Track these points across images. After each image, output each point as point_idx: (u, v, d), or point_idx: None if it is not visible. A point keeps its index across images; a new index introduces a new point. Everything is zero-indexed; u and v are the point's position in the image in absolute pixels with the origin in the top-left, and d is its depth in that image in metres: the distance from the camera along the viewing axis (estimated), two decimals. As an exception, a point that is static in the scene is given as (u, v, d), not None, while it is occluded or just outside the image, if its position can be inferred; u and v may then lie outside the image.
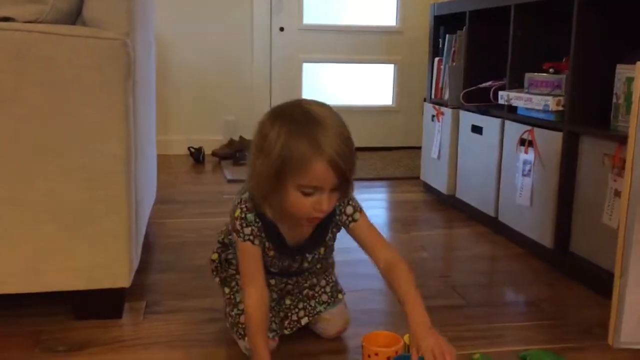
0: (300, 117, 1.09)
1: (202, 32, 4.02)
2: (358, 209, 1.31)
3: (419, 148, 3.20)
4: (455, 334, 1.52)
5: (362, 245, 1.31)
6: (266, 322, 1.23)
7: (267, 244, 1.25)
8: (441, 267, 2.11)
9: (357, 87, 4.31)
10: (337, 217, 1.29)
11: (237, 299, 1.41)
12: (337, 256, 2.04)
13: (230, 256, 1.45)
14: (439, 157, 2.88)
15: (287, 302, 1.45)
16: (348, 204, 1.29)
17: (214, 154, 3.81)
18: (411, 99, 4.30)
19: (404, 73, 4.33)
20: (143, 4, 1.76)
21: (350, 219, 1.29)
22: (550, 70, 2.10)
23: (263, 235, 1.22)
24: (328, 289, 1.50)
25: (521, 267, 2.06)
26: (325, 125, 1.08)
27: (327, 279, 1.50)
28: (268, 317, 1.24)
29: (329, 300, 1.48)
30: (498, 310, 1.72)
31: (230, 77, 4.10)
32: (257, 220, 1.20)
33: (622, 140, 1.72)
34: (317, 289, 1.48)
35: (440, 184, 2.88)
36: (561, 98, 1.98)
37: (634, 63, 1.75)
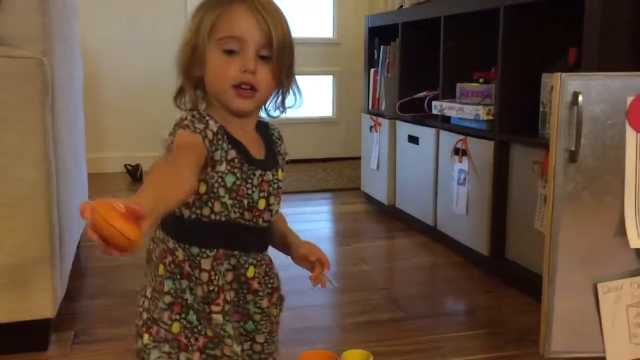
0: None
1: (134, 44, 3.92)
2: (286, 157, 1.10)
3: (359, 158, 3.21)
4: (396, 348, 1.51)
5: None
6: (168, 189, 0.81)
7: (232, 155, 0.94)
8: (382, 279, 2.11)
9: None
10: (277, 140, 1.07)
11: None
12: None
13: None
14: (378, 167, 2.89)
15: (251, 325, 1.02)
16: (283, 142, 1.09)
17: (152, 170, 3.70)
18: (351, 110, 4.31)
19: (343, 84, 4.34)
20: (63, 18, 1.69)
21: (283, 158, 1.07)
22: (480, 80, 2.14)
23: (226, 141, 0.94)
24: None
25: (459, 276, 2.08)
26: None
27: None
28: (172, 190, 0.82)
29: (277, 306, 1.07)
30: (437, 321, 1.72)
31: (166, 91, 3.92)
32: (217, 122, 0.94)
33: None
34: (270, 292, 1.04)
35: (381, 195, 2.88)
36: (491, 107, 2.01)
37: (559, 71, 1.80)
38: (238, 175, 0.95)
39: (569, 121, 0.99)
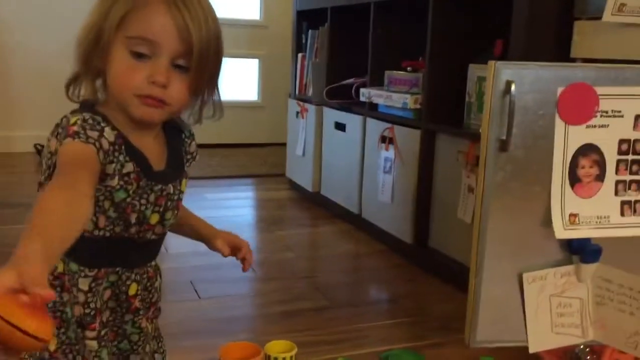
0: None
1: (49, 15, 3.67)
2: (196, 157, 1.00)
3: (285, 145, 3.16)
4: (319, 338, 1.49)
5: None
6: (64, 228, 0.65)
7: (130, 167, 0.81)
8: (306, 267, 2.07)
9: (221, 82, 4.18)
10: (187, 142, 0.94)
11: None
12: (196, 259, 1.92)
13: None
14: (303, 154, 2.85)
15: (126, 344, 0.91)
16: (194, 139, 0.97)
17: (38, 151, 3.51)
18: (276, 95, 4.25)
19: (269, 68, 4.27)
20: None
21: (193, 156, 0.97)
22: (408, 68, 2.13)
23: (124, 152, 0.80)
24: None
25: (383, 264, 2.07)
26: None
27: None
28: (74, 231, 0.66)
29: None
30: (361, 310, 1.71)
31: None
32: (115, 129, 0.80)
33: (475, 137, 1.78)
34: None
35: (306, 182, 2.85)
36: (419, 96, 2.01)
37: (486, 62, 1.82)
38: (131, 192, 0.81)
39: (500, 110, 0.98)
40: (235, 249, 1.06)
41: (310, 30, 2.87)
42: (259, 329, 1.54)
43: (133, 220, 0.83)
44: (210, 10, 0.82)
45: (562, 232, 1.01)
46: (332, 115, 2.61)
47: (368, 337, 1.52)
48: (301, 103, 2.87)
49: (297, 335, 1.46)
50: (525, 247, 1.03)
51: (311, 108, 2.76)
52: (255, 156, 3.89)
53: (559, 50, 1.54)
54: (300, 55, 2.98)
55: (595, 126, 1.01)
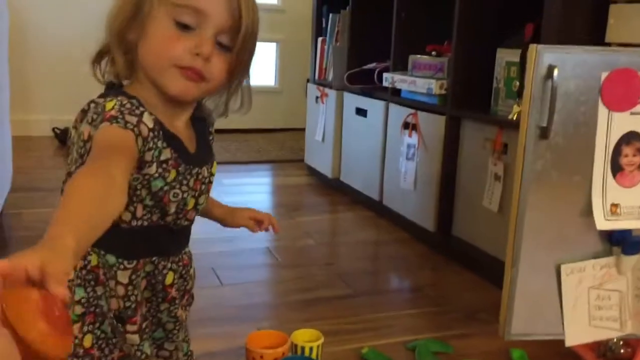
0: None
1: None
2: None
3: (303, 130, 3.12)
4: (343, 327, 1.47)
5: None
6: (96, 214, 0.61)
7: (167, 153, 0.78)
8: (327, 254, 2.05)
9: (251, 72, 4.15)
10: (211, 131, 0.93)
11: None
12: (218, 245, 1.91)
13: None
14: (323, 139, 2.82)
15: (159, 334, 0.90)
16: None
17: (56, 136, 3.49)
18: (294, 80, 4.20)
19: (287, 53, 4.22)
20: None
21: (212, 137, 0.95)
22: (433, 53, 2.09)
23: (161, 138, 0.77)
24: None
25: (405, 252, 2.05)
26: None
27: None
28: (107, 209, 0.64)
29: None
30: (384, 298, 1.68)
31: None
32: (152, 114, 0.76)
33: (502, 124, 1.74)
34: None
35: (325, 168, 2.82)
36: (444, 81, 1.97)
37: (514, 47, 1.77)
38: (168, 180, 0.78)
39: (541, 96, 0.94)
40: (259, 222, 1.04)
41: (330, 14, 2.82)
42: (282, 317, 1.53)
43: (172, 209, 0.81)
44: None
45: (603, 222, 0.98)
46: (352, 100, 2.57)
47: (392, 326, 1.50)
48: (321, 88, 2.83)
49: (320, 324, 1.44)
50: (564, 238, 1.00)
51: (331, 93, 2.73)
52: (273, 141, 3.86)
53: (593, 34, 1.50)
54: (320, 39, 2.94)
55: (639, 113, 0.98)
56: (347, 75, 2.55)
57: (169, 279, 0.85)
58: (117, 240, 0.72)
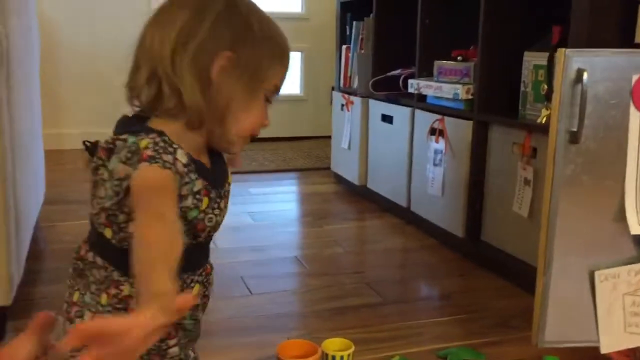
0: (252, 15, 0.86)
1: (94, 13, 3.73)
2: None
3: (329, 137, 3.13)
4: (373, 335, 1.46)
5: None
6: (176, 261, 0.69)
7: (199, 184, 0.80)
8: (356, 262, 2.05)
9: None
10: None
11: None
12: (247, 254, 1.91)
13: None
14: (349, 147, 2.82)
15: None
16: None
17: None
18: (319, 88, 4.23)
19: (312, 61, 4.24)
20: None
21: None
22: (459, 58, 2.08)
23: (194, 170, 0.79)
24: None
25: (434, 259, 2.03)
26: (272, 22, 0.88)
27: None
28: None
29: None
30: (413, 306, 1.67)
31: (129, 64, 3.84)
32: (181, 147, 0.78)
33: (531, 128, 1.72)
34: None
35: (351, 175, 2.82)
36: (470, 86, 1.96)
37: (541, 50, 1.75)
38: (202, 207, 0.80)
39: (571, 100, 0.93)
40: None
41: (354, 22, 2.83)
42: (311, 326, 1.53)
43: (205, 234, 0.83)
44: None
45: (637, 227, 0.96)
46: (378, 107, 2.57)
47: (422, 334, 1.49)
48: (346, 96, 2.84)
49: (350, 333, 1.44)
50: (597, 243, 0.98)
51: (357, 100, 2.73)
52: (299, 150, 3.88)
53: (622, 35, 1.47)
54: (344, 47, 2.95)
55: (672, 115, 0.96)
56: (372, 82, 2.56)
57: (195, 290, 0.86)
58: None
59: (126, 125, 0.81)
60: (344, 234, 2.31)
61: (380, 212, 2.54)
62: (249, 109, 0.84)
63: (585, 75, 0.91)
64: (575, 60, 0.92)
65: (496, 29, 1.87)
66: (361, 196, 2.75)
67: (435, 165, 2.13)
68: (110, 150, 0.77)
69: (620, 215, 0.97)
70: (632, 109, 0.94)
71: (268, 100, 0.86)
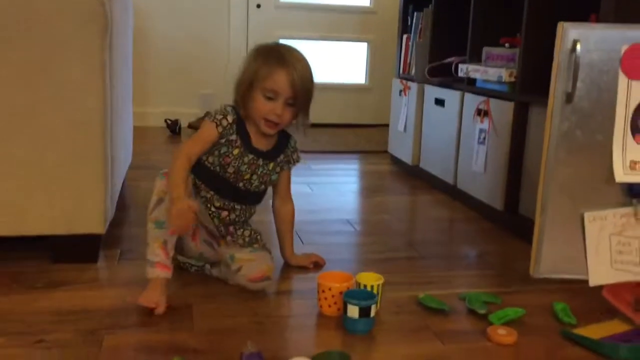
0: (275, 47, 1.52)
1: (179, 5, 4.10)
2: (297, 163, 1.66)
3: (389, 123, 3.34)
4: (409, 279, 1.67)
5: (277, 185, 1.66)
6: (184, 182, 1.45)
7: (235, 139, 1.50)
8: (402, 227, 2.25)
9: (331, 65, 4.43)
10: (290, 149, 1.62)
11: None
12: (303, 215, 2.17)
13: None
14: (405, 129, 3.02)
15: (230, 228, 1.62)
16: (297, 151, 1.65)
17: (189, 126, 3.91)
18: (383, 78, 4.43)
19: (377, 52, 4.45)
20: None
21: (294, 160, 1.65)
22: (506, 45, 2.24)
23: (234, 129, 1.50)
24: (247, 234, 1.62)
25: (473, 228, 2.21)
26: (293, 54, 1.49)
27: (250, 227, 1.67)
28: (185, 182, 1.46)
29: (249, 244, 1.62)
30: (447, 262, 1.86)
31: (207, 52, 4.19)
32: (234, 114, 1.50)
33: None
34: (245, 231, 1.62)
35: (406, 156, 3.02)
36: (514, 70, 2.12)
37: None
38: (232, 152, 1.51)
39: (567, 66, 1.11)
40: (315, 263, 1.75)
41: (415, 12, 3.02)
42: (355, 270, 1.74)
43: (231, 169, 1.53)
44: (309, 68, 1.49)
45: (621, 176, 1.13)
46: (432, 92, 2.76)
47: (451, 282, 1.68)
48: (404, 82, 3.03)
49: (388, 276, 1.64)
50: (588, 190, 1.15)
51: (413, 86, 2.92)
52: (361, 135, 4.10)
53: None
54: (405, 36, 3.14)
55: (657, 81, 1.12)
56: (428, 69, 2.74)
57: (223, 215, 1.60)
58: (200, 171, 1.54)
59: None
60: (394, 206, 2.52)
61: (430, 189, 2.73)
62: (251, 103, 1.49)
63: (578, 45, 1.09)
64: (571, 32, 1.10)
65: (540, 16, 2.03)
66: (414, 175, 2.95)
67: (479, 143, 2.30)
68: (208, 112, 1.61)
69: (609, 166, 1.14)
70: (621, 74, 1.11)
71: (269, 98, 1.46)
